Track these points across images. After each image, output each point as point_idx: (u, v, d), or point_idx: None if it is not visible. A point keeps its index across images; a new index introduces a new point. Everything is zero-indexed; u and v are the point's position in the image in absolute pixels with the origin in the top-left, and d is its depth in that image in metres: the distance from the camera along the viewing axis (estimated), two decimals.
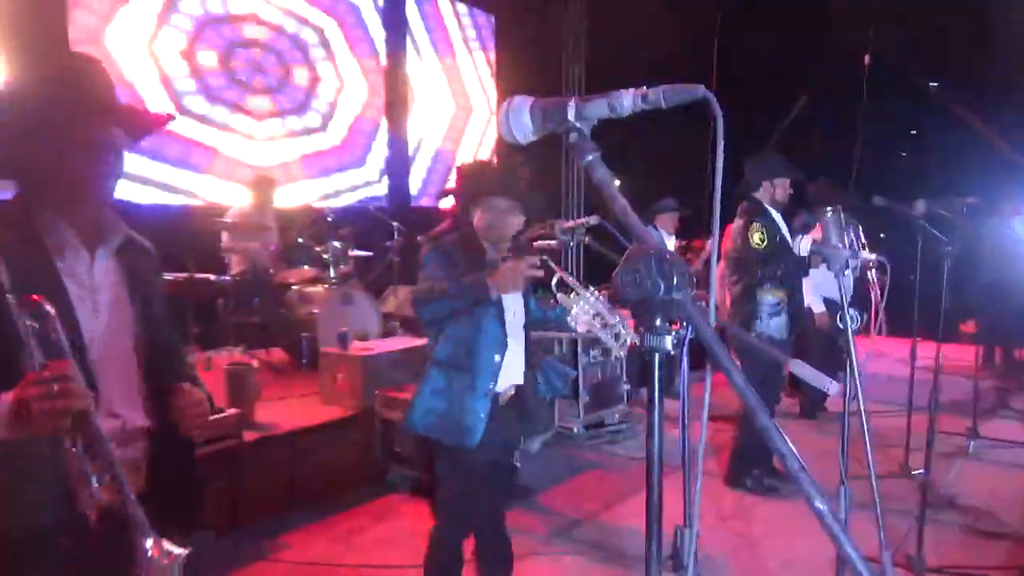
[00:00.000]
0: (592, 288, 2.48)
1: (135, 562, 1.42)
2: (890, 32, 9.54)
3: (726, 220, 5.35)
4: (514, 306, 2.74)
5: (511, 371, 2.71)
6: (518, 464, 2.91)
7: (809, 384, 2.00)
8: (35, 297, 1.35)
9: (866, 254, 2.34)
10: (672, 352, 0.87)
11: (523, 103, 0.97)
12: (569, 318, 2.42)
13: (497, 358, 2.62)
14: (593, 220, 2.98)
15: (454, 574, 2.78)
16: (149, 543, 1.39)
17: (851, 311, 2.08)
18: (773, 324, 4.30)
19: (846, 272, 2.11)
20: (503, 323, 2.66)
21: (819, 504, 0.73)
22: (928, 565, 3.36)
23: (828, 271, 4.06)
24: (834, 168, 8.24)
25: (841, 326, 2.05)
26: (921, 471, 3.75)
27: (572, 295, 2.40)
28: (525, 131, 0.97)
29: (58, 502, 1.45)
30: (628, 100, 0.91)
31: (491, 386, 2.62)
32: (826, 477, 2.26)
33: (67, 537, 1.47)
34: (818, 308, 5.53)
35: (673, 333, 0.86)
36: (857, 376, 2.04)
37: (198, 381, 1.79)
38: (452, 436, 2.61)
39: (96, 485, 1.40)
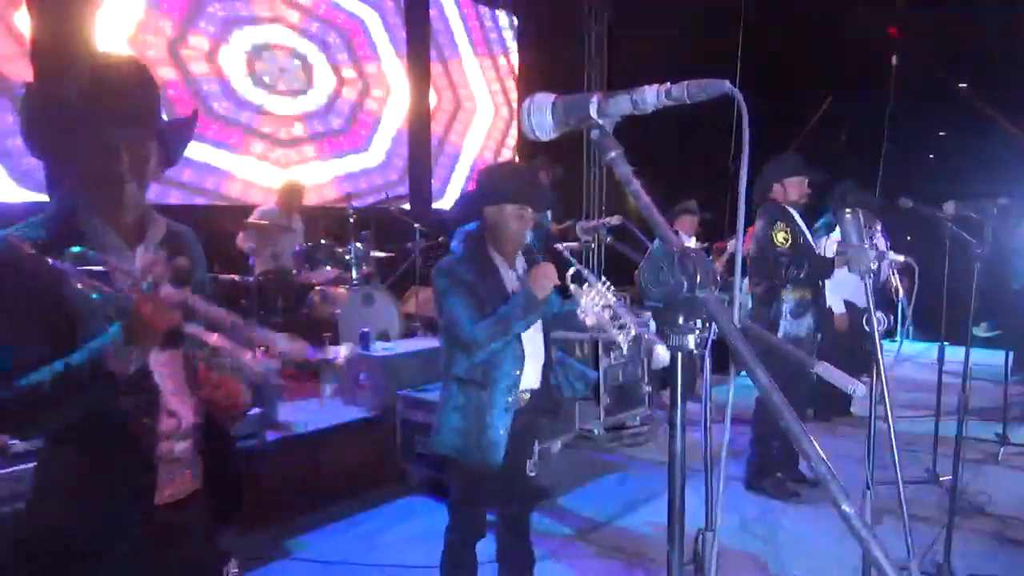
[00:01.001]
0: (606, 281, 2.46)
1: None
2: (917, 32, 9.41)
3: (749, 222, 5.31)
4: None
5: (528, 378, 2.69)
6: (532, 473, 2.86)
7: (834, 387, 1.97)
8: (75, 250, 1.41)
9: (894, 255, 2.30)
10: (695, 351, 0.85)
11: (545, 100, 0.96)
12: (579, 310, 2.38)
13: (517, 372, 2.60)
14: (615, 220, 2.98)
15: (463, 574, 2.78)
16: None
17: (878, 314, 2.05)
18: (797, 324, 4.25)
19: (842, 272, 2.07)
20: (520, 337, 2.61)
21: (846, 507, 0.71)
22: (956, 573, 3.30)
23: (849, 272, 4.04)
24: (860, 169, 8.14)
25: (867, 328, 2.02)
26: (949, 477, 3.68)
27: (585, 287, 2.38)
28: (547, 128, 0.96)
29: (133, 493, 1.54)
30: (651, 96, 0.89)
31: (511, 400, 2.60)
32: (848, 483, 2.23)
33: (137, 530, 1.54)
34: (838, 309, 5.46)
35: (696, 332, 0.85)
36: (884, 380, 2.00)
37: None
38: (476, 453, 2.60)
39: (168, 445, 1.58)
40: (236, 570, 1.64)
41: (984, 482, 4.57)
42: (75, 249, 1.42)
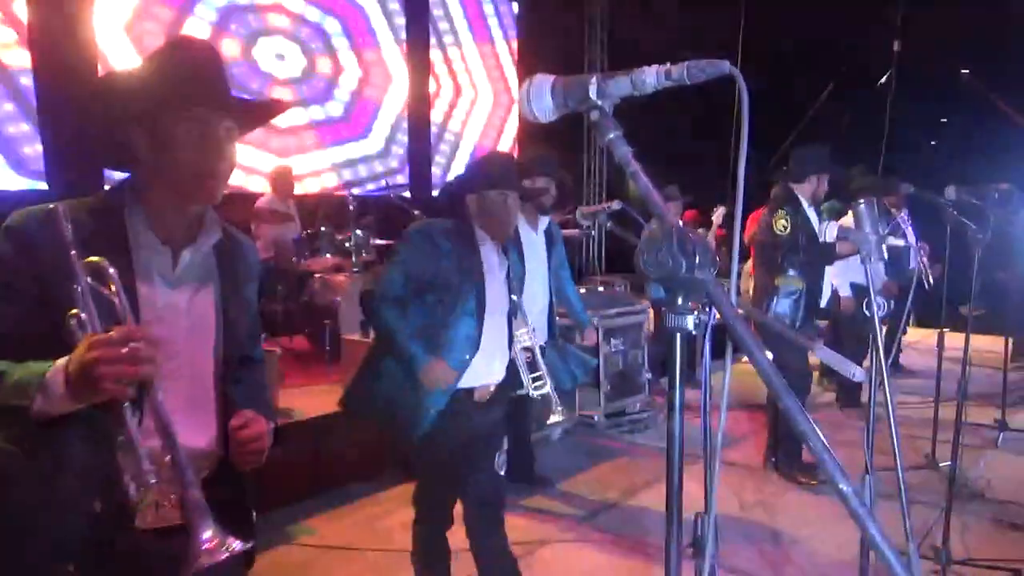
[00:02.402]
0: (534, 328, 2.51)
1: (185, 555, 1.27)
2: (920, 18, 9.36)
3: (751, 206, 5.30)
4: (498, 302, 2.65)
5: (491, 369, 2.64)
6: (501, 471, 2.82)
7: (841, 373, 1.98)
8: (95, 258, 1.28)
9: (893, 240, 2.30)
10: (694, 333, 0.85)
11: (544, 81, 0.96)
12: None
13: (467, 357, 2.53)
14: (615, 205, 2.98)
15: (437, 567, 2.76)
16: (208, 533, 1.25)
17: (878, 299, 2.04)
18: (783, 311, 4.26)
19: (874, 260, 2.07)
20: (481, 322, 2.56)
21: (844, 486, 0.71)
22: (954, 557, 3.31)
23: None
24: (861, 156, 8.12)
25: (868, 313, 2.02)
26: (948, 463, 3.69)
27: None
28: (546, 110, 0.96)
29: (101, 495, 1.36)
30: (651, 77, 0.89)
31: (454, 384, 2.53)
32: (854, 468, 2.24)
33: (108, 533, 1.38)
34: (844, 292, 5.47)
35: (695, 314, 0.85)
36: (884, 364, 2.01)
37: (269, 408, 1.64)
38: (394, 426, 2.60)
39: (148, 466, 1.25)
40: None
41: (983, 467, 4.59)
42: (94, 259, 1.28)
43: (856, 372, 1.50)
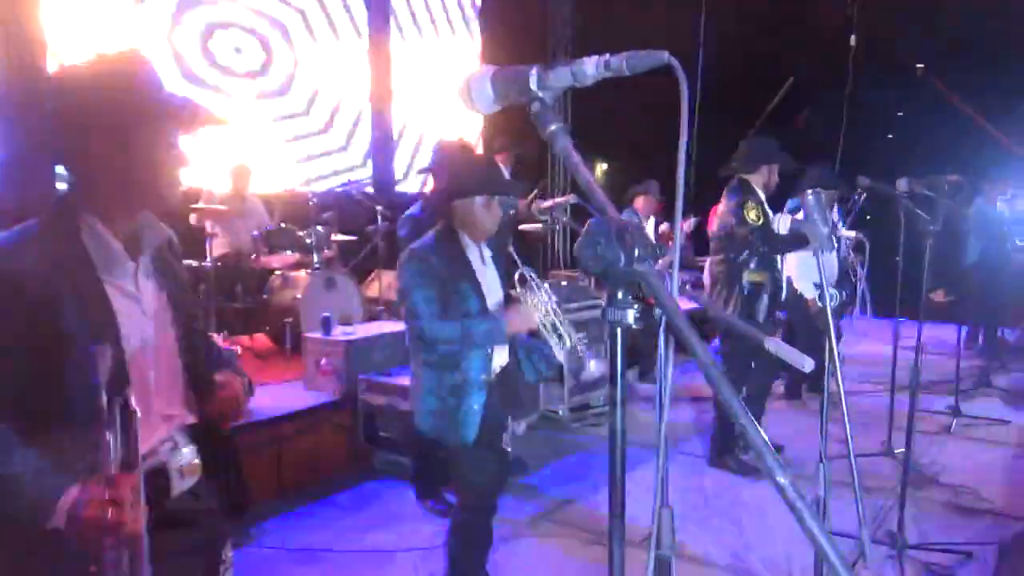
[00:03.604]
0: (548, 288, 2.60)
1: None
2: (876, 12, 9.52)
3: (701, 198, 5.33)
4: (493, 292, 2.78)
5: (500, 357, 2.77)
6: (508, 448, 2.95)
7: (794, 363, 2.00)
8: (130, 404, 1.34)
9: (845, 232, 2.32)
10: (634, 326, 0.85)
11: (485, 73, 0.95)
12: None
13: (489, 350, 2.68)
14: (572, 199, 3.00)
15: (478, 554, 2.89)
16: None
17: (830, 289, 2.07)
18: (752, 307, 4.29)
19: (826, 252, 2.10)
20: (486, 312, 2.70)
21: (781, 478, 0.71)
22: (910, 541, 3.39)
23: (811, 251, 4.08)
24: (820, 150, 8.24)
25: (820, 304, 2.04)
26: (903, 450, 3.77)
27: (529, 292, 2.48)
28: (487, 101, 0.95)
29: None
30: (591, 67, 0.88)
31: (483, 378, 2.67)
32: (810, 456, 2.28)
33: None
34: (810, 293, 5.48)
35: (636, 307, 0.84)
36: (837, 355, 2.03)
37: (235, 364, 1.81)
38: (451, 434, 2.67)
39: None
40: (230, 553, 1.62)
41: (937, 453, 4.70)
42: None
43: (807, 363, 1.51)
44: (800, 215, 4.86)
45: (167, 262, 1.63)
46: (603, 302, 2.78)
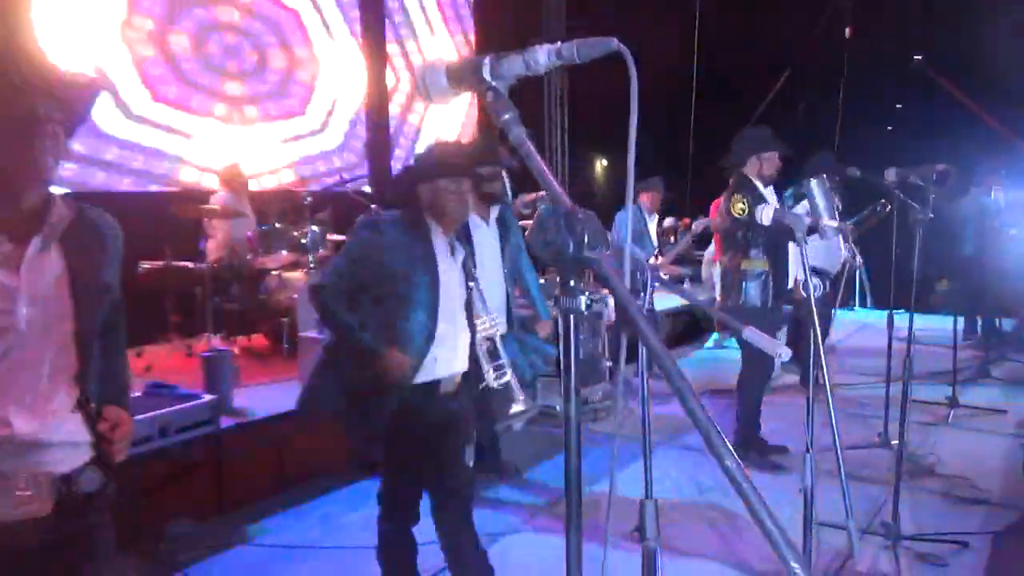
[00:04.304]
0: (495, 317, 2.68)
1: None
2: (872, 4, 9.50)
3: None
4: (454, 291, 2.62)
5: (453, 359, 2.61)
6: (470, 463, 2.79)
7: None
8: None
9: (827, 221, 2.32)
10: (586, 312, 0.85)
11: (439, 63, 0.95)
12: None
13: (425, 349, 2.50)
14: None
15: (402, 563, 2.74)
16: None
17: (814, 279, 2.07)
18: (755, 295, 4.31)
19: (809, 240, 2.10)
20: (436, 313, 2.53)
21: (729, 463, 0.71)
22: (905, 532, 3.38)
23: (822, 241, 4.08)
24: (816, 142, 8.21)
25: (804, 294, 2.04)
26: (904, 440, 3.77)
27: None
28: (442, 91, 0.95)
29: None
30: (543, 56, 0.88)
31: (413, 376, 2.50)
32: (800, 446, 2.27)
33: None
34: (801, 278, 5.52)
35: (587, 294, 0.84)
36: (820, 345, 2.03)
37: (125, 396, 1.73)
38: (354, 423, 2.60)
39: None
40: None
41: (934, 443, 4.68)
42: None
43: (781, 352, 1.51)
44: (805, 202, 4.91)
45: (81, 250, 1.56)
46: (600, 296, 2.82)
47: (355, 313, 2.50)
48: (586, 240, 0.79)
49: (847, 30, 9.49)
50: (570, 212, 0.79)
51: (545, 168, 0.86)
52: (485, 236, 3.73)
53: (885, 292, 4.55)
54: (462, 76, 0.93)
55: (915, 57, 9.92)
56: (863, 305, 9.43)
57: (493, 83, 0.91)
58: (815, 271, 5.52)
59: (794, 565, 0.65)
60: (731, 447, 0.74)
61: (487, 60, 0.91)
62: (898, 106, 11.16)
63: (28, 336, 1.46)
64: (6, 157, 1.42)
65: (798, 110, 10.31)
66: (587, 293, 0.84)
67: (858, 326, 8.48)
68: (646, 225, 6.14)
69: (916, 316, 3.61)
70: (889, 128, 11.41)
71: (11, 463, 1.42)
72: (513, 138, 0.89)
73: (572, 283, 0.83)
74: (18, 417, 1.43)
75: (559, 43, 0.87)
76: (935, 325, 6.61)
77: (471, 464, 2.75)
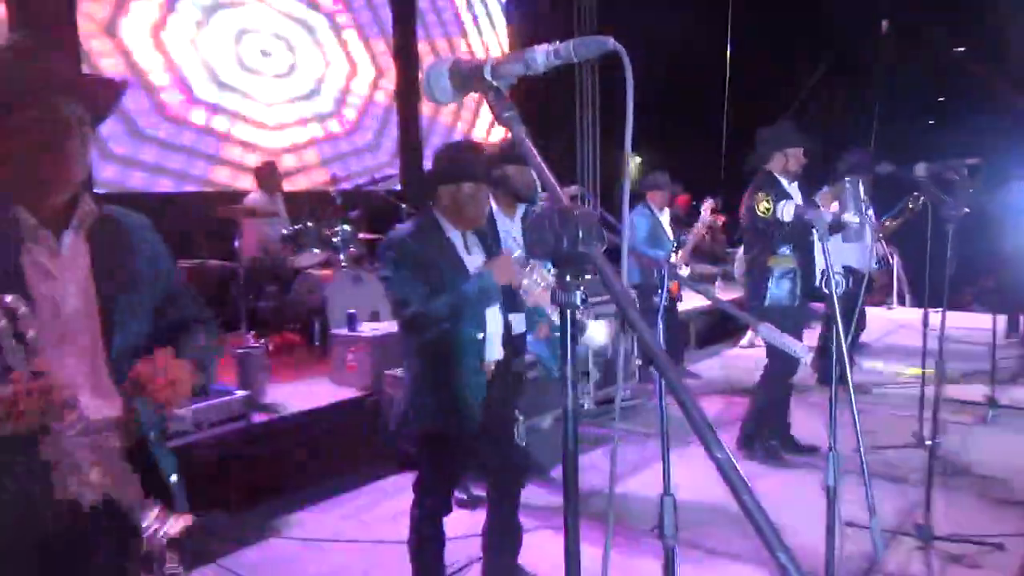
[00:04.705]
0: (548, 264, 2.48)
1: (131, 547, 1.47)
2: None
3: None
4: None
5: (492, 349, 2.68)
6: (522, 442, 2.90)
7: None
8: (8, 299, 1.35)
9: (848, 218, 2.28)
10: (582, 308, 0.86)
11: (443, 65, 0.97)
12: (521, 290, 2.46)
13: (480, 335, 2.60)
14: (573, 190, 2.98)
15: (431, 553, 2.80)
16: (152, 515, 1.44)
17: (836, 276, 2.05)
18: (781, 292, 4.28)
19: (831, 237, 2.08)
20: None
21: (719, 453, 0.72)
22: (940, 533, 3.32)
23: (855, 241, 4.03)
24: (853, 136, 8.09)
25: (826, 290, 2.02)
26: (939, 440, 3.70)
27: (527, 268, 2.42)
28: (445, 92, 0.97)
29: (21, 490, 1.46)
30: (541, 56, 0.90)
31: (478, 365, 2.61)
32: (847, 446, 2.24)
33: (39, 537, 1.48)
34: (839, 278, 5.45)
35: (583, 289, 0.85)
36: (844, 343, 2.01)
37: (203, 354, 1.73)
38: (454, 424, 2.62)
39: (87, 472, 1.46)
40: (178, 569, 1.51)
41: (972, 444, 4.59)
42: None
43: (798, 350, 1.50)
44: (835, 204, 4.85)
45: (107, 244, 1.62)
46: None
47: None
48: (581, 236, 0.80)
49: (883, 23, 9.31)
50: (565, 208, 0.81)
51: (545, 168, 0.87)
52: (510, 233, 3.76)
53: (921, 290, 4.46)
54: (465, 77, 0.95)
55: (957, 49, 9.71)
56: (901, 303, 9.26)
57: (495, 83, 0.93)
58: (849, 270, 5.47)
59: (781, 556, 0.66)
60: (714, 438, 0.75)
61: (488, 61, 0.93)
62: (940, 99, 10.93)
63: (72, 320, 1.54)
64: (42, 159, 1.47)
65: (835, 105, 10.16)
66: (582, 288, 0.85)
67: (895, 325, 8.32)
68: (660, 223, 6.13)
69: (956, 315, 3.54)
70: (931, 121, 11.19)
71: (79, 441, 1.48)
72: (514, 135, 0.90)
73: (568, 278, 0.84)
74: (83, 396, 1.49)
75: (557, 43, 0.89)
76: (974, 324, 6.47)
77: (522, 443, 2.85)
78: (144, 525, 1.44)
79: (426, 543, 2.77)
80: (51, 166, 1.49)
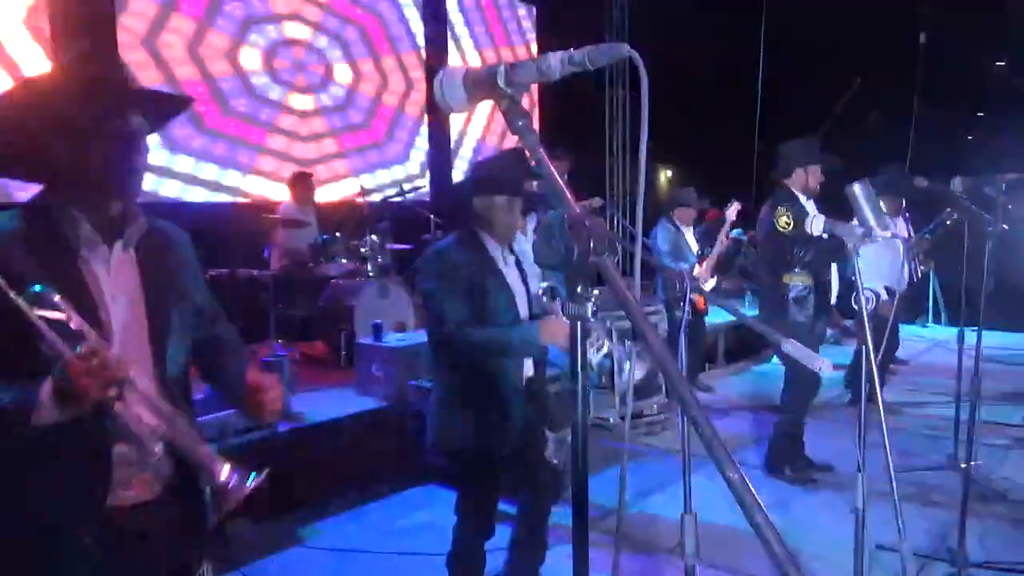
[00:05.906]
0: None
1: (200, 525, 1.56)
2: (946, 9, 9.16)
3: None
4: (519, 293, 2.70)
5: (526, 365, 2.69)
6: (555, 460, 2.86)
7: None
8: (36, 290, 1.35)
9: (879, 231, 2.22)
10: (593, 319, 0.84)
11: (456, 72, 0.96)
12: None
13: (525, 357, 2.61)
14: (596, 202, 2.96)
15: (473, 572, 2.77)
16: (225, 470, 1.48)
17: (866, 291, 2.00)
18: (798, 310, 4.21)
19: (861, 251, 2.03)
20: (516, 313, 2.65)
21: (731, 473, 0.70)
22: (973, 559, 3.22)
23: (886, 255, 3.92)
24: (889, 151, 7.95)
25: (856, 307, 1.97)
26: (975, 463, 3.59)
27: (556, 301, 2.40)
28: (459, 100, 0.96)
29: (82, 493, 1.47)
30: (555, 62, 0.89)
31: (520, 384, 2.61)
32: (874, 466, 2.17)
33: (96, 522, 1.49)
34: (882, 296, 5.32)
35: (593, 299, 0.84)
36: (872, 359, 1.96)
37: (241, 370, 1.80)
38: (496, 442, 2.61)
39: (156, 447, 1.49)
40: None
41: (1008, 467, 4.45)
42: (36, 289, 1.34)
43: (822, 366, 1.47)
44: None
45: (154, 258, 1.63)
46: (654, 308, 2.77)
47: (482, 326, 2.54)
48: (591, 246, 0.79)
49: (920, 36, 9.16)
50: (576, 219, 0.79)
51: (556, 177, 0.86)
52: (524, 250, 3.76)
53: (958, 308, 4.34)
54: (477, 84, 0.94)
55: (998, 64, 9.51)
56: (936, 321, 9.06)
57: (508, 91, 0.92)
58: (889, 290, 5.35)
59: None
60: (726, 457, 0.72)
61: (501, 68, 0.92)
62: (980, 114, 10.72)
63: (125, 332, 1.54)
64: (108, 171, 1.49)
65: (870, 119, 10.01)
66: (592, 299, 0.83)
67: (930, 343, 8.14)
68: (683, 237, 6.09)
69: (997, 334, 3.45)
70: (970, 137, 10.96)
71: (141, 451, 1.52)
72: (527, 144, 0.89)
73: (579, 290, 0.83)
74: (150, 414, 1.51)
75: (572, 49, 0.88)
76: (1013, 343, 6.29)
77: (554, 461, 2.82)
78: (223, 479, 1.48)
79: (467, 569, 2.76)
80: (116, 178, 1.50)
